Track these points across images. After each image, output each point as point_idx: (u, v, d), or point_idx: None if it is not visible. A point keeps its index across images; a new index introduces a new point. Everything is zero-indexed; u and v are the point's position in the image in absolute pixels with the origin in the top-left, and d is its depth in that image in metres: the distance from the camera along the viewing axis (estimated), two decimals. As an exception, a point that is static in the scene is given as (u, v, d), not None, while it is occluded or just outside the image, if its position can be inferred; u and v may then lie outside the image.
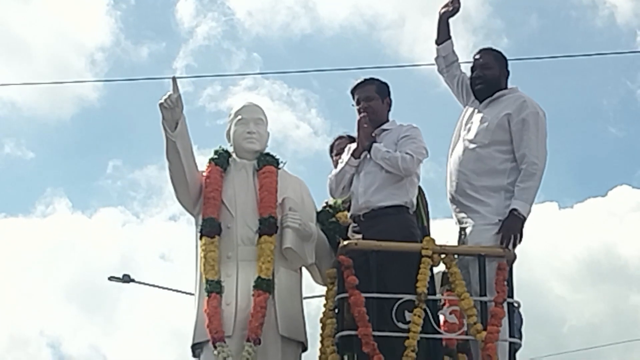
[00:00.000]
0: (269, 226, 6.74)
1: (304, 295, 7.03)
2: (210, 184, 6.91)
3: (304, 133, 33.84)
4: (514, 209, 6.56)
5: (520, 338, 6.79)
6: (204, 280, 6.72)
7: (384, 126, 6.86)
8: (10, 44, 33.83)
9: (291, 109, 33.75)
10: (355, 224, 6.73)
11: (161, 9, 36.22)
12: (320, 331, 6.68)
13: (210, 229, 6.78)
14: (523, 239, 6.62)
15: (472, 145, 6.78)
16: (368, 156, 6.73)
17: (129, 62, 33.27)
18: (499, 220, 6.61)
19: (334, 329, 6.53)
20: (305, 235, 6.80)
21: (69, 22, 35.75)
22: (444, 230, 7.06)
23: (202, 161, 7.06)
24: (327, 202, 7.19)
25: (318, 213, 7.07)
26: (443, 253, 6.46)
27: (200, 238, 6.82)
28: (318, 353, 6.67)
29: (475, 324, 6.31)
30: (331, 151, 7.52)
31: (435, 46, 7.11)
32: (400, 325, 6.27)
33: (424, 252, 6.39)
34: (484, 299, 6.41)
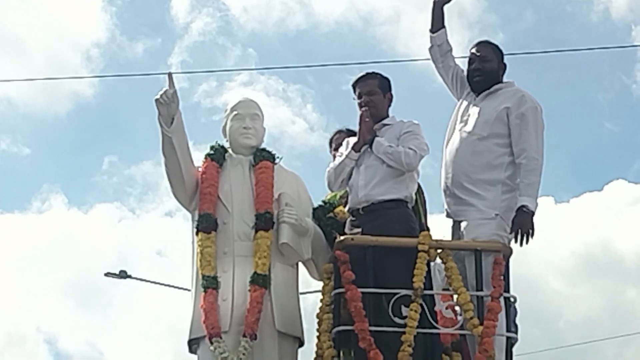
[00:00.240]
0: (265, 221, 6.74)
1: (301, 290, 7.03)
2: (207, 179, 6.90)
3: (299, 128, 33.86)
4: (523, 206, 6.56)
5: (517, 331, 6.79)
6: (200, 276, 6.72)
7: (385, 121, 6.85)
8: (6, 40, 33.82)
9: (287, 104, 33.73)
10: (354, 218, 6.71)
11: (156, 5, 36.18)
12: (316, 326, 6.67)
13: (206, 225, 6.78)
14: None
15: (471, 138, 6.78)
16: (369, 150, 6.73)
17: (124, 58, 33.23)
18: (496, 215, 6.62)
19: (331, 324, 6.52)
20: (301, 230, 6.80)
21: (64, 19, 35.68)
22: (440, 226, 7.06)
23: (198, 157, 7.06)
24: (324, 200, 7.19)
25: (315, 209, 7.07)
26: (440, 248, 6.46)
27: (197, 234, 6.82)
28: (314, 348, 6.67)
29: (471, 318, 6.32)
30: (330, 145, 7.52)
31: (429, 34, 7.10)
32: (397, 320, 6.27)
33: (420, 247, 6.38)
34: (480, 293, 6.41)
